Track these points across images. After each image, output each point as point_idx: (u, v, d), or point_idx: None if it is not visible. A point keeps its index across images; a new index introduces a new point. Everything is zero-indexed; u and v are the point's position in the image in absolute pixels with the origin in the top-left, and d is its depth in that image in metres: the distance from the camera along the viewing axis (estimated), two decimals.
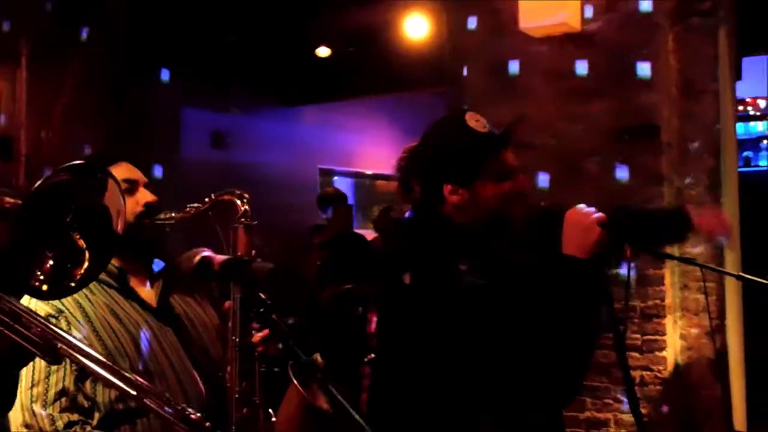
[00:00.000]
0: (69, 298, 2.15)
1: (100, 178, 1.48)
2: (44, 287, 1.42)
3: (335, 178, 10.39)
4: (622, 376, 2.25)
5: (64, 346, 1.36)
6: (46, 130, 5.94)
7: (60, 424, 2.05)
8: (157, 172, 5.87)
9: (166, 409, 1.35)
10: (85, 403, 2.11)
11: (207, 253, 1.69)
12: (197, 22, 6.64)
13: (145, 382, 1.39)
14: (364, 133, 10.14)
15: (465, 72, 5.25)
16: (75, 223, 1.45)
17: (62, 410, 2.07)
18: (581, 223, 2.15)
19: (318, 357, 2.18)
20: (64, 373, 2.10)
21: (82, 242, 1.46)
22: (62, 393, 2.09)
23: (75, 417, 2.08)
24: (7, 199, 1.41)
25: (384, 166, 10.58)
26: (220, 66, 7.19)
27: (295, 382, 2.12)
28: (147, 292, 2.32)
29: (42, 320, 1.35)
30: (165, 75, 7.04)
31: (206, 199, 2.32)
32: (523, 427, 2.17)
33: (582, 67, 4.83)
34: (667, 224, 2.52)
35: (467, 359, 2.09)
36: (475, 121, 2.24)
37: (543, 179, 4.88)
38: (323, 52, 7.30)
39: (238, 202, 2.30)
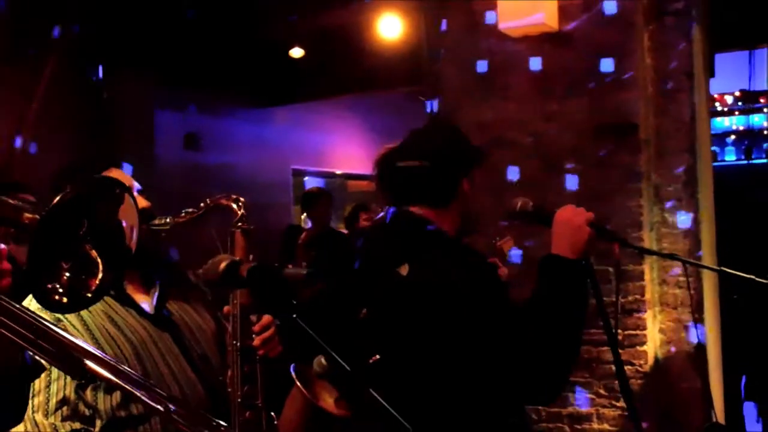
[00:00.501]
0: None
1: (117, 194, 1.48)
2: (64, 300, 1.42)
3: (306, 178, 10.39)
4: (615, 371, 2.30)
5: (91, 363, 1.35)
6: (18, 135, 5.87)
7: None
8: (130, 173, 5.83)
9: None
10: (87, 412, 2.10)
11: (232, 259, 1.68)
12: (170, 23, 6.60)
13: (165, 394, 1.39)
14: (336, 132, 10.15)
15: (441, 72, 5.27)
16: (88, 235, 1.45)
17: (63, 419, 2.06)
18: (571, 223, 2.21)
19: (321, 359, 2.18)
20: (65, 382, 2.08)
21: (95, 254, 1.46)
22: (63, 402, 2.07)
23: (77, 425, 2.06)
24: (26, 215, 1.41)
25: (355, 165, 10.61)
26: (192, 68, 7.15)
27: (298, 384, 2.13)
28: (143, 298, 2.31)
29: (67, 335, 1.34)
30: (137, 77, 6.99)
31: (202, 204, 2.31)
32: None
33: (559, 66, 4.88)
34: None
35: (469, 351, 2.13)
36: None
37: (516, 175, 4.93)
38: (297, 52, 7.29)
39: (235, 206, 2.30)
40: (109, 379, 1.30)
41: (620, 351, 4.60)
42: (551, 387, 2.23)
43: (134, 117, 7.24)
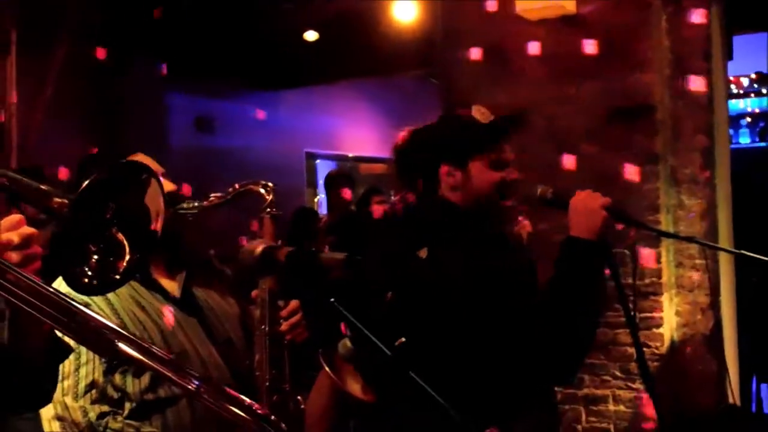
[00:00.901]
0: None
1: (144, 178, 1.50)
2: (94, 282, 1.44)
3: (318, 161, 10.39)
4: (635, 352, 2.33)
5: (122, 344, 1.36)
6: (34, 119, 5.89)
7: (92, 415, 2.06)
8: None
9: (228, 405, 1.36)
10: (115, 395, 2.12)
11: (268, 244, 1.69)
12: (181, 7, 6.58)
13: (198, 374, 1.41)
14: (348, 116, 10.14)
15: (456, 55, 5.25)
16: (115, 219, 1.47)
17: (93, 402, 2.09)
18: (588, 207, 2.25)
19: (347, 342, 2.19)
20: (93, 366, 2.11)
21: (122, 237, 1.48)
22: (92, 385, 2.10)
23: (106, 408, 2.09)
24: (56, 199, 1.42)
25: (367, 148, 10.60)
26: (204, 51, 7.14)
27: (326, 368, 2.14)
28: (170, 283, 2.33)
29: (99, 318, 1.35)
30: (149, 61, 6.99)
31: (230, 189, 2.32)
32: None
33: (576, 48, 4.85)
34: None
35: (487, 332, 2.15)
36: (480, 113, 2.37)
37: (538, 161, 4.91)
38: (311, 36, 7.27)
39: (263, 191, 2.30)
40: (140, 360, 1.32)
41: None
42: (569, 366, 2.30)
43: (145, 101, 7.25)
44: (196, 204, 2.31)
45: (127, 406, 2.12)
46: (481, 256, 2.26)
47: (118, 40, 6.49)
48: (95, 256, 1.45)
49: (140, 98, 7.17)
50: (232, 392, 1.38)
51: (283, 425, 1.39)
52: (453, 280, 2.22)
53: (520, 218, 3.10)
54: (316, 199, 9.77)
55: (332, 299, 1.48)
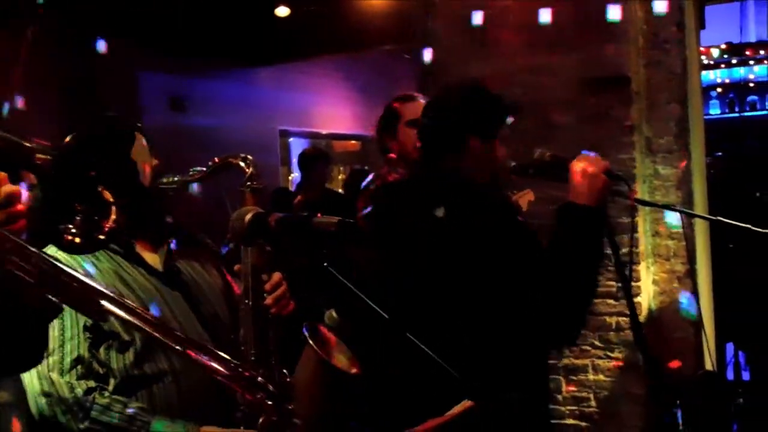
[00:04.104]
0: (76, 265, 2.13)
1: (128, 133, 1.48)
2: (77, 240, 1.42)
3: (291, 138, 10.33)
4: (631, 321, 2.33)
5: (108, 304, 1.34)
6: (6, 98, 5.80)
7: (79, 390, 2.04)
8: None
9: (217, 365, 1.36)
10: (100, 370, 2.11)
11: (258, 210, 1.67)
12: None
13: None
14: (322, 92, 10.08)
15: (432, 27, 5.23)
16: (101, 176, 1.45)
17: (79, 377, 2.07)
18: (586, 172, 2.23)
19: (332, 313, 2.19)
20: (78, 341, 2.09)
21: (108, 195, 1.46)
22: (78, 360, 2.08)
23: (92, 384, 2.07)
24: (39, 155, 1.40)
25: (341, 125, 10.56)
26: (175, 29, 7.05)
27: (311, 342, 2.13)
28: (152, 257, 2.31)
29: (82, 277, 1.34)
30: (120, 41, 6.89)
31: (210, 163, 2.30)
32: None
33: (548, 18, 4.85)
34: None
35: (496, 291, 2.15)
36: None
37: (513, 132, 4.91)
38: (282, 11, 7.20)
39: (243, 164, 2.28)
40: (125, 319, 1.31)
41: (615, 302, 4.70)
42: (571, 328, 2.30)
43: (117, 80, 7.16)
44: (176, 178, 2.28)
45: (112, 381, 2.10)
46: (496, 220, 2.25)
47: (89, 19, 6.39)
48: (80, 215, 1.43)
49: (112, 78, 7.08)
50: (219, 353, 1.38)
51: (271, 386, 1.39)
52: (470, 239, 2.21)
53: (526, 189, 3.07)
54: (290, 178, 9.73)
55: (325, 264, 1.47)
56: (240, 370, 1.37)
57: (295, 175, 9.31)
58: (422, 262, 2.28)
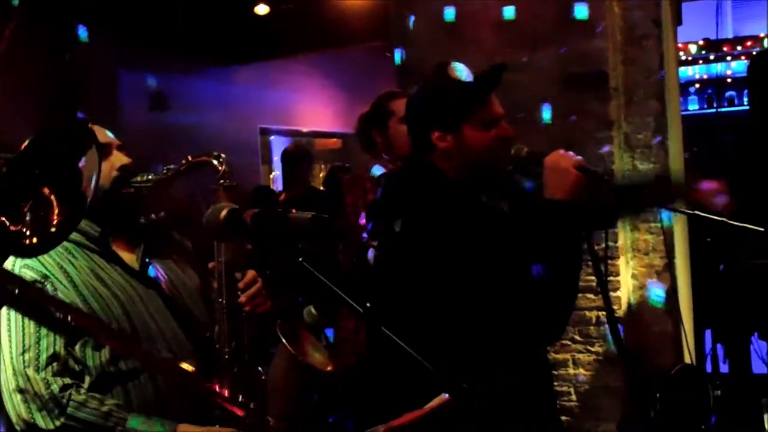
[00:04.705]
0: (52, 263, 2.13)
1: (82, 140, 1.49)
2: (34, 240, 1.43)
3: (272, 137, 10.32)
4: (606, 315, 2.33)
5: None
6: None
7: (55, 387, 2.04)
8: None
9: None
10: (76, 367, 2.11)
11: (233, 206, 1.67)
12: None
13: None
14: (302, 90, 10.07)
15: (409, 25, 5.24)
16: (44, 176, 1.46)
17: (55, 374, 2.07)
18: (559, 166, 2.23)
19: (311, 309, 2.20)
20: (55, 338, 2.08)
21: (47, 191, 1.47)
22: (54, 357, 2.08)
23: (68, 380, 2.07)
24: None
25: (322, 123, 10.55)
26: (155, 27, 7.03)
27: (284, 340, 2.14)
28: (129, 255, 2.31)
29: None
30: (101, 39, 6.86)
31: (183, 161, 2.30)
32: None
33: (528, 16, 4.87)
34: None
35: (458, 300, 2.14)
36: (457, 71, 2.30)
37: None
38: (262, 9, 7.18)
39: (216, 162, 2.28)
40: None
41: (594, 297, 4.72)
42: (554, 327, 2.29)
43: (97, 78, 7.13)
44: (150, 177, 2.29)
45: (87, 379, 2.10)
46: (459, 227, 2.23)
47: (69, 17, 6.36)
48: (28, 214, 1.44)
49: (92, 76, 7.05)
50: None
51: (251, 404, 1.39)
52: (423, 255, 2.20)
53: None
54: (271, 176, 9.72)
55: (300, 259, 1.47)
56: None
57: (276, 173, 9.30)
58: (392, 262, 2.29)
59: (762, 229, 3.03)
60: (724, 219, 3.20)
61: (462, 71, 2.33)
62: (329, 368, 2.14)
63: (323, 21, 7.09)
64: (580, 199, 2.22)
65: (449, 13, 5.04)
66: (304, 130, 10.61)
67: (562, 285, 2.17)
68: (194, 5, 6.93)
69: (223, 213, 1.65)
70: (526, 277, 2.15)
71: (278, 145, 9.68)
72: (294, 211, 1.52)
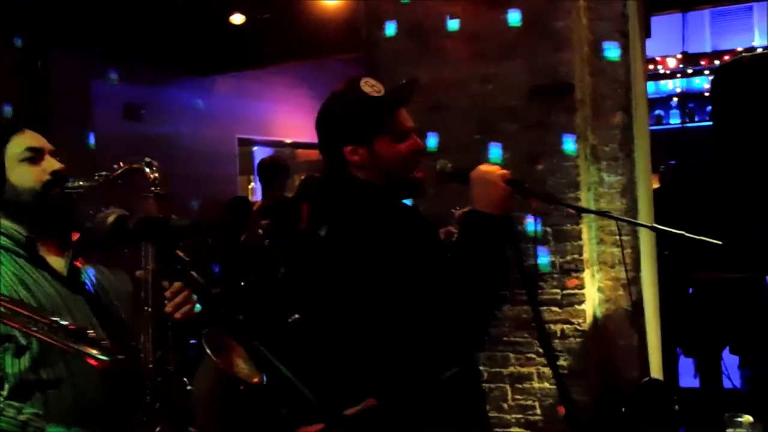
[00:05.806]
0: None
1: None
2: None
3: (255, 147, 10.30)
4: (537, 330, 2.31)
5: None
6: None
7: None
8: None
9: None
10: None
11: (122, 212, 1.65)
12: None
13: None
14: (284, 101, 10.06)
15: (378, 36, 5.23)
16: None
17: None
18: (486, 180, 2.22)
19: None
20: None
21: None
22: None
23: None
24: None
25: (304, 134, 10.53)
26: (130, 37, 7.01)
27: (208, 351, 2.10)
28: (58, 260, 2.27)
29: None
30: (75, 49, 6.84)
31: (115, 166, 2.27)
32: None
33: (495, 27, 4.86)
34: None
35: (379, 308, 2.13)
36: (369, 86, 2.34)
37: (460, 140, 4.91)
38: (237, 19, 7.17)
39: (147, 170, 2.24)
40: None
41: (559, 310, 4.70)
42: (471, 337, 2.26)
43: (71, 88, 7.10)
44: (81, 183, 2.25)
45: (6, 386, 2.06)
46: (384, 232, 2.23)
47: (43, 26, 6.34)
48: None
49: (66, 86, 7.02)
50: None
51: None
52: (349, 259, 2.19)
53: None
54: (250, 186, 9.69)
55: (179, 266, 1.45)
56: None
57: (254, 185, 9.28)
58: (305, 279, 2.27)
59: (720, 242, 3.01)
60: (681, 232, 3.19)
61: (372, 86, 2.33)
62: (256, 380, 2.10)
63: (299, 31, 7.08)
64: (508, 213, 2.21)
65: (417, 26, 5.04)
66: (287, 141, 10.59)
67: (479, 294, 2.16)
68: (169, 14, 6.91)
69: (111, 218, 1.63)
70: (448, 284, 2.13)
71: (261, 155, 9.65)
72: (174, 217, 1.50)
